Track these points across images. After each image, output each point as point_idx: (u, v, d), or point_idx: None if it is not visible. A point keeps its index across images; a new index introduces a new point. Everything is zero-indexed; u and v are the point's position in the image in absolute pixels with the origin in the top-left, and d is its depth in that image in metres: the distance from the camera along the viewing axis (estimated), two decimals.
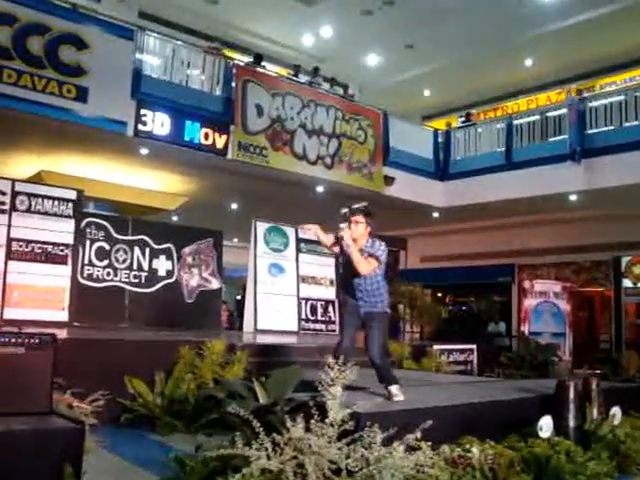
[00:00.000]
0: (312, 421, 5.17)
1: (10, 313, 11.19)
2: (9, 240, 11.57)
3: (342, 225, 6.97)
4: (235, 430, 5.43)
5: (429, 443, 5.21)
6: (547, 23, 20.35)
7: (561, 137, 17.30)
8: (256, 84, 15.60)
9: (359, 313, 7.00)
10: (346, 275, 7.21)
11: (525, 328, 17.97)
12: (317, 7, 20.53)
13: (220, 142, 14.69)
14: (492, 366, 14.58)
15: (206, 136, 14.50)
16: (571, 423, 7.17)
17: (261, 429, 5.08)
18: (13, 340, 5.44)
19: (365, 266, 6.82)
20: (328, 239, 7.27)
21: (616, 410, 7.61)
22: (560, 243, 20.40)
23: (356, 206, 7.16)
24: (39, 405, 5.41)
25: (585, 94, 19.93)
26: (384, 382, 6.85)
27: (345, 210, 7.05)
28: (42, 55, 12.37)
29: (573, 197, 17.08)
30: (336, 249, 7.21)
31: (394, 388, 6.78)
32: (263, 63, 17.58)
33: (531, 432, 6.71)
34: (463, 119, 22.75)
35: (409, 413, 6.15)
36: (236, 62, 16.15)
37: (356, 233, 6.95)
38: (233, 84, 15.29)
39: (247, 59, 17.80)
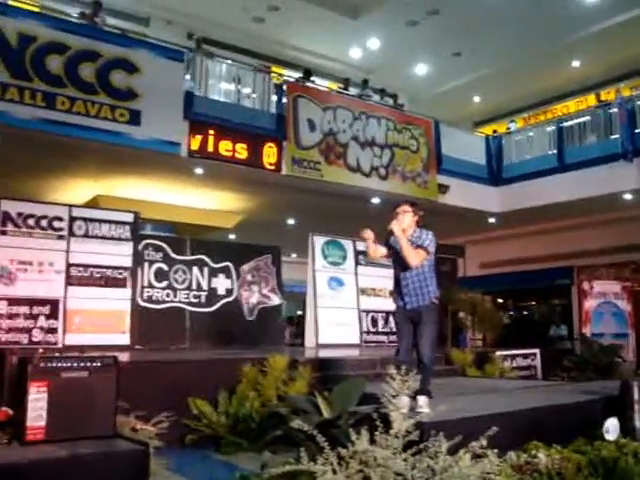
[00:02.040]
0: (376, 433, 5.11)
1: (72, 339, 11.24)
2: (68, 266, 11.67)
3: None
4: (300, 446, 5.39)
5: (495, 450, 5.12)
6: (592, 23, 20.18)
7: (612, 137, 17.15)
8: (307, 99, 15.63)
9: (409, 315, 6.85)
10: (395, 274, 7.10)
11: (587, 330, 17.74)
12: (363, 20, 20.56)
13: (274, 158, 14.72)
14: (556, 370, 14.37)
15: (260, 153, 14.54)
16: (637, 424, 7.04)
17: (326, 443, 5.03)
18: (76, 365, 5.47)
19: (414, 257, 6.75)
20: (377, 250, 7.18)
21: None
22: (618, 243, 20.03)
23: None
24: (103, 429, 5.43)
25: (634, 93, 19.79)
26: (420, 389, 6.34)
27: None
28: (94, 81, 12.54)
29: (628, 196, 16.90)
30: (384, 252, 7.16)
31: (424, 399, 6.44)
32: (312, 78, 17.59)
33: (597, 435, 6.59)
34: (514, 125, 22.57)
35: (474, 420, 6.08)
36: (286, 78, 16.22)
37: (404, 223, 6.91)
38: (284, 100, 15.34)
39: (296, 75, 17.84)
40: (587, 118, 18.45)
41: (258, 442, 8.00)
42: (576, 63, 23.15)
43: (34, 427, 5.14)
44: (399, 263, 6.95)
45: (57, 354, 6.03)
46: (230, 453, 8.07)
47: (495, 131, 22.48)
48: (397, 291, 7.03)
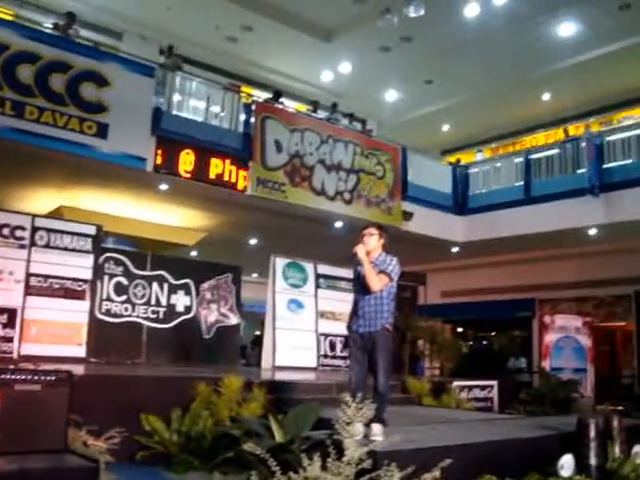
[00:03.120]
0: (329, 459, 5.12)
1: (28, 349, 11.16)
2: (28, 275, 11.61)
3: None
4: (252, 469, 5.41)
5: None
6: (565, 57, 20.28)
7: (580, 171, 17.28)
8: (275, 120, 15.68)
9: (361, 341, 6.85)
10: (355, 297, 7.12)
11: (546, 364, 17.74)
12: (336, 44, 20.65)
13: (239, 178, 14.75)
14: (513, 403, 14.40)
15: (225, 172, 14.55)
16: (592, 462, 7.02)
17: (277, 468, 5.04)
18: (29, 377, 5.46)
19: (376, 282, 6.76)
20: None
21: (639, 448, 7.48)
22: (581, 277, 20.25)
23: None
24: (54, 443, 5.42)
25: (603, 128, 20.05)
26: (375, 416, 6.24)
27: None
28: (64, 92, 12.52)
29: (593, 231, 17.02)
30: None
31: (378, 427, 6.39)
32: (282, 99, 17.66)
33: (552, 471, 6.60)
34: (481, 155, 22.76)
35: (428, 451, 6.06)
36: (255, 98, 16.26)
37: (369, 245, 6.93)
38: (252, 120, 15.39)
39: (266, 95, 17.90)
40: (555, 151, 18.56)
41: (210, 462, 8.00)
42: (547, 96, 23.25)
43: None
44: (360, 286, 6.96)
45: (11, 367, 6.03)
46: (181, 472, 8.02)
47: (459, 160, 22.63)
48: (353, 314, 7.05)
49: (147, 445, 8.40)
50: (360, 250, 6.85)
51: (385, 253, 7.04)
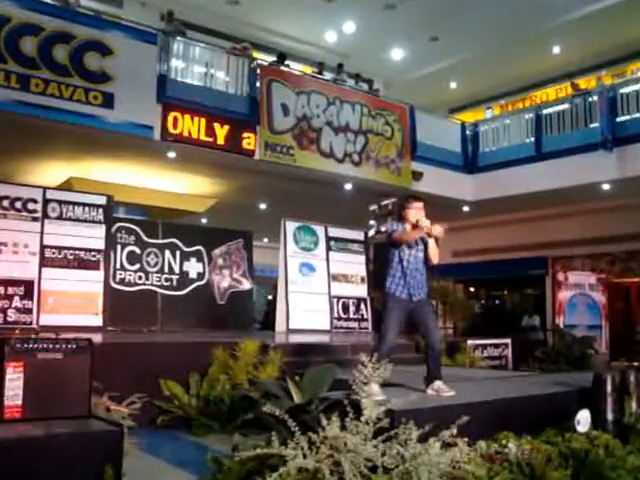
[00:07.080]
0: (347, 419, 5.17)
1: (46, 319, 11.28)
2: (42, 247, 11.68)
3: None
4: (271, 430, 5.44)
5: (465, 439, 5.16)
6: (575, 8, 19.95)
7: (592, 125, 17.02)
8: (281, 83, 15.65)
9: (407, 306, 6.88)
10: (401, 266, 7.02)
11: (560, 321, 17.72)
12: (339, 3, 20.39)
13: (247, 143, 14.76)
14: (527, 360, 14.42)
15: (233, 137, 14.56)
16: (609, 417, 6.98)
17: (297, 428, 5.08)
18: (51, 346, 5.54)
19: (437, 254, 7.04)
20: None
21: None
22: (594, 234, 20.07)
23: (407, 196, 7.24)
24: (78, 409, 5.51)
25: (616, 80, 19.78)
26: (433, 376, 6.78)
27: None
28: (68, 63, 12.54)
29: (606, 186, 16.84)
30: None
31: (441, 383, 6.73)
32: (287, 62, 17.58)
33: (568, 426, 6.58)
34: (490, 112, 22.53)
35: (444, 409, 6.11)
36: (260, 62, 16.20)
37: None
38: (258, 84, 15.35)
39: (271, 58, 17.82)
40: (566, 106, 18.16)
41: (229, 424, 8.08)
42: (556, 49, 22.90)
43: (11, 406, 5.21)
44: (412, 257, 7.02)
45: (33, 335, 6.11)
46: (201, 434, 8.17)
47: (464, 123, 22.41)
48: (399, 283, 6.98)
49: (167, 410, 8.53)
50: (429, 223, 6.95)
51: None
